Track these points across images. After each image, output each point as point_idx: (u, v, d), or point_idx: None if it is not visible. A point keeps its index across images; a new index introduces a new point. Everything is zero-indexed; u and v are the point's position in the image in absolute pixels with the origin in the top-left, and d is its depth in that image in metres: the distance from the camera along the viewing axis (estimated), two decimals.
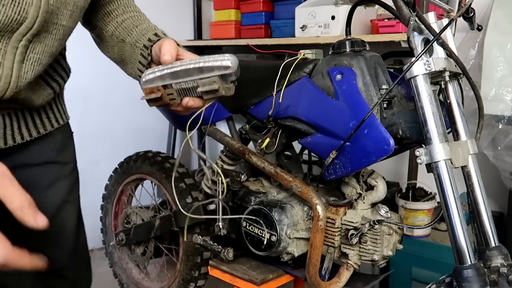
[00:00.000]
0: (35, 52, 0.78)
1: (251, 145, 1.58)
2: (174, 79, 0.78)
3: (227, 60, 0.76)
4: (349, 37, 1.32)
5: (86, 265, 1.16)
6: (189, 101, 0.81)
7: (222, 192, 1.39)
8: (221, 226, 1.46)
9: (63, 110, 1.04)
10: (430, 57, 1.10)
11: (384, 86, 1.24)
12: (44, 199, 0.98)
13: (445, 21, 1.13)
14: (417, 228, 1.91)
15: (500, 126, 1.67)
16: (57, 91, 0.97)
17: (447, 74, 1.12)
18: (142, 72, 0.94)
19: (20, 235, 0.95)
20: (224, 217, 1.42)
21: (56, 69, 0.95)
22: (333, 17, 2.12)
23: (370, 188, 1.33)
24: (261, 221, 1.38)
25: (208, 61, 0.76)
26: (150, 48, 0.92)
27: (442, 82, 1.15)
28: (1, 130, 0.87)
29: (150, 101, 0.82)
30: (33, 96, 0.86)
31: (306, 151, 1.58)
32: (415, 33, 1.11)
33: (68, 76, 1.00)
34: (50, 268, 0.97)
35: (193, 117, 0.88)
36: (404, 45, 1.90)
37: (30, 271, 0.93)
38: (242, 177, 1.46)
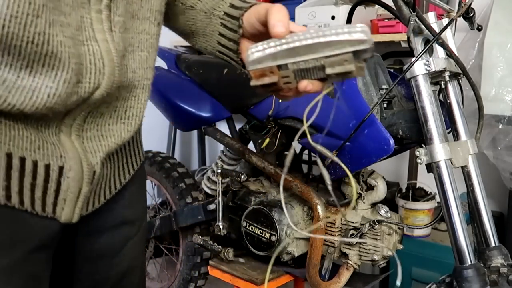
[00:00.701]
0: (119, 14, 0.63)
1: (251, 145, 1.58)
2: (292, 57, 0.60)
3: (360, 33, 0.57)
4: None
5: None
6: (308, 86, 0.62)
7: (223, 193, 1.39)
8: (221, 226, 1.46)
9: (140, 145, 0.82)
10: (430, 57, 1.10)
11: (384, 86, 1.24)
12: (108, 271, 0.79)
13: (445, 21, 1.13)
14: (417, 228, 1.91)
15: (500, 126, 1.66)
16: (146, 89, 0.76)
17: (447, 74, 1.12)
18: (224, 47, 0.76)
19: None
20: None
21: None
22: (333, 17, 2.12)
23: (370, 188, 1.33)
24: (261, 221, 1.38)
25: (337, 34, 0.58)
26: (240, 18, 0.71)
27: (442, 82, 1.15)
28: (98, 186, 0.70)
29: (261, 87, 0.63)
30: (128, 94, 0.68)
31: (306, 151, 1.58)
32: (415, 33, 1.11)
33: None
34: None
35: (310, 105, 0.65)
36: (404, 45, 1.90)
37: None
38: (242, 177, 1.46)
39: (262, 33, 0.68)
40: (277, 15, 0.63)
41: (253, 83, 0.62)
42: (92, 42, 0.59)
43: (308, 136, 0.57)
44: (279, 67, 0.61)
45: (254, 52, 0.61)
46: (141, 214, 0.86)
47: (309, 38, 0.59)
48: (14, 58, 0.52)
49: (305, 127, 0.64)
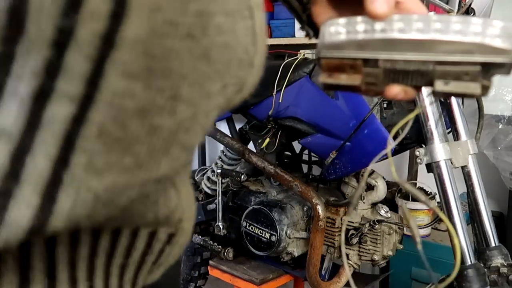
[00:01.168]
0: None
1: (251, 145, 1.58)
2: (388, 51, 0.39)
3: (500, 37, 0.36)
4: None
5: None
6: (400, 94, 0.39)
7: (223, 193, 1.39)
8: (221, 226, 1.46)
9: None
10: None
11: None
12: None
13: None
14: (417, 228, 1.91)
15: (500, 126, 1.67)
16: None
17: None
18: None
19: None
20: None
21: None
22: None
23: (370, 188, 1.33)
24: (261, 221, 1.38)
25: (463, 33, 0.37)
26: None
27: None
28: None
29: (331, 86, 0.42)
30: None
31: (306, 151, 1.58)
32: None
33: None
34: None
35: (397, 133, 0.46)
36: None
37: None
38: (242, 177, 1.46)
39: None
40: None
41: (322, 79, 0.42)
42: (245, 12, 0.31)
43: (391, 163, 0.42)
44: (366, 61, 0.40)
45: (333, 32, 0.41)
46: None
47: (418, 30, 0.38)
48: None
49: (393, 144, 0.46)
